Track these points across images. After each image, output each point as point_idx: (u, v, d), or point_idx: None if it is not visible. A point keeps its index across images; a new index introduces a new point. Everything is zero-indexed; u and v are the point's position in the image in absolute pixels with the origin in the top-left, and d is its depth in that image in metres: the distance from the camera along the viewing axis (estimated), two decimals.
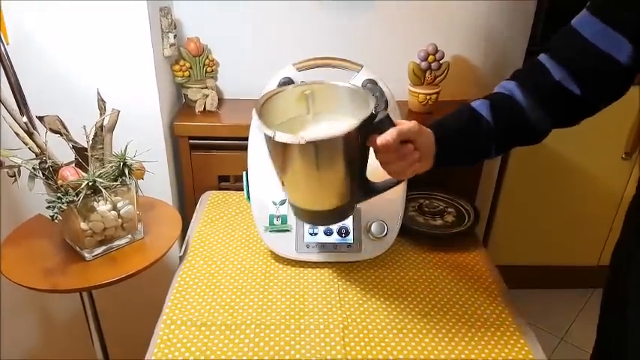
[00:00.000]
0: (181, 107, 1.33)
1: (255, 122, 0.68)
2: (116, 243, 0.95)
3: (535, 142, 0.76)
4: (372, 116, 0.66)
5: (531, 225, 1.77)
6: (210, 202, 1.19)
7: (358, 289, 0.91)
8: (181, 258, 0.99)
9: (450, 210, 1.11)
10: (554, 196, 1.71)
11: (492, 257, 1.03)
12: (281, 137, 0.65)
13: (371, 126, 0.66)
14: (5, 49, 0.93)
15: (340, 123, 0.72)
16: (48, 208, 0.83)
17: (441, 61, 1.29)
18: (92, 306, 1.03)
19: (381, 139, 0.64)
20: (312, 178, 0.71)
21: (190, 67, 1.28)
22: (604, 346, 0.87)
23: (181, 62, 1.26)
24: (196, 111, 1.28)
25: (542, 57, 0.72)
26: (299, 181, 0.74)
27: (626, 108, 1.55)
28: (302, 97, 0.76)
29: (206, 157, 1.26)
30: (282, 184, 0.78)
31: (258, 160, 1.00)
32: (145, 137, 1.10)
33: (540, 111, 0.72)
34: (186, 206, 1.32)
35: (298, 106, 0.77)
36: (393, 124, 0.66)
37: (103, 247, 0.93)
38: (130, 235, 0.96)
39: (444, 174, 1.20)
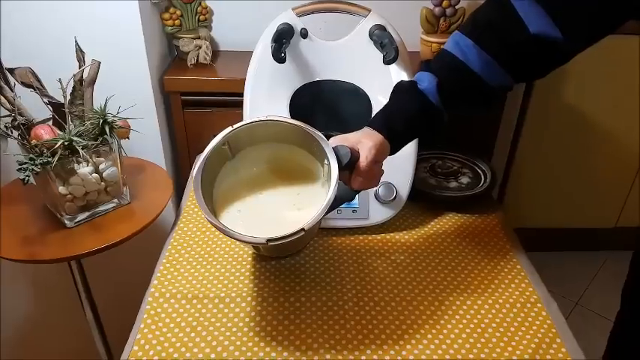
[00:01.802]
0: (172, 60, 1.23)
1: (210, 219, 0.63)
2: (101, 208, 0.87)
3: (497, 101, 0.71)
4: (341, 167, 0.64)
5: (547, 186, 1.68)
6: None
7: (364, 257, 0.84)
8: (173, 225, 0.92)
9: (464, 171, 1.02)
10: (571, 156, 1.62)
11: (507, 219, 0.95)
12: (243, 237, 0.61)
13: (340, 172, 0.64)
14: None
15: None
16: (19, 170, 0.75)
17: (456, 7, 1.17)
18: (82, 275, 0.97)
19: (359, 185, 0.66)
20: (280, 251, 0.79)
21: (181, 16, 1.17)
22: (632, 312, 0.81)
23: (171, 10, 1.15)
24: (188, 64, 1.17)
25: (516, 1, 0.61)
26: (268, 253, 0.81)
27: None
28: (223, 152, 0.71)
29: (200, 115, 1.17)
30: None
31: (247, 119, 0.90)
32: (131, 93, 1.01)
33: (500, 68, 0.64)
34: (181, 168, 1.24)
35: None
36: (356, 157, 0.65)
37: (87, 213, 0.86)
38: (115, 200, 0.89)
39: (459, 133, 1.11)
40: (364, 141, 0.66)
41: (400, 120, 0.68)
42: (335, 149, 0.65)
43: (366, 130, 0.68)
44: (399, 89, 0.71)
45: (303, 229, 0.60)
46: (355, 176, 0.66)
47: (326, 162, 0.65)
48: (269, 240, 0.59)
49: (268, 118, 0.69)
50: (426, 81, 0.67)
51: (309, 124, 0.69)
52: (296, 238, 0.60)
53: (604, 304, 1.58)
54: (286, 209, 0.70)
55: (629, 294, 0.83)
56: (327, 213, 0.63)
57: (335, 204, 0.66)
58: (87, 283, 0.99)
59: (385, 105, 0.71)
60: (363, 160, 0.65)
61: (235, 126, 0.69)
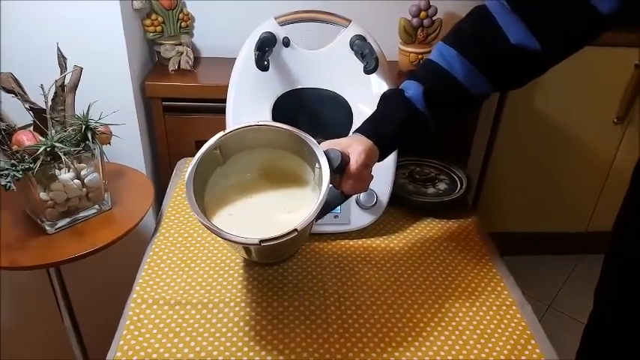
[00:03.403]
0: (153, 66, 1.23)
1: (203, 221, 0.63)
2: (82, 214, 0.87)
3: (477, 107, 0.75)
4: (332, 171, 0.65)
5: (520, 191, 1.73)
6: (186, 169, 1.11)
7: (346, 262, 0.86)
8: (154, 231, 0.92)
9: (442, 177, 1.05)
10: (544, 162, 1.67)
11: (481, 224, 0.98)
12: (236, 238, 0.61)
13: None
14: None
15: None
16: (0, 176, 0.74)
17: (433, 18, 1.21)
18: (60, 281, 0.96)
19: (349, 188, 0.68)
20: (272, 255, 0.79)
21: (163, 22, 1.17)
22: (603, 312, 0.84)
23: (153, 16, 1.16)
24: (170, 70, 1.18)
25: (496, 12, 0.65)
26: (260, 257, 0.81)
27: (619, 72, 1.50)
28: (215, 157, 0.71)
29: (181, 121, 1.17)
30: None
31: (238, 123, 0.91)
32: (113, 99, 1.00)
33: (482, 77, 0.67)
34: (161, 174, 1.24)
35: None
36: (346, 161, 0.66)
37: (67, 219, 0.85)
38: (96, 206, 0.88)
39: (436, 140, 1.14)
40: (354, 145, 0.67)
41: (389, 126, 0.70)
42: (326, 152, 0.66)
43: (355, 135, 0.70)
44: (387, 97, 0.72)
45: (296, 230, 0.60)
46: (346, 179, 0.67)
47: (317, 165, 0.66)
48: (262, 241, 0.59)
49: (260, 123, 0.69)
50: (412, 89, 0.69)
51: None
52: (289, 238, 0.60)
53: (575, 306, 1.64)
54: (277, 212, 0.70)
55: (600, 295, 0.86)
56: (318, 217, 0.64)
57: (325, 208, 0.67)
58: (65, 289, 0.98)
59: (373, 112, 0.73)
60: (354, 163, 0.66)
61: (227, 131, 0.69)
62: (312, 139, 0.68)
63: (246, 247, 0.69)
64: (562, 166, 1.68)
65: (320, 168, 0.65)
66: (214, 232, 0.61)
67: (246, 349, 0.69)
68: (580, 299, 1.64)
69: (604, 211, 1.78)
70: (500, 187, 1.70)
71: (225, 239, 0.61)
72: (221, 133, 0.69)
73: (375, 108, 0.73)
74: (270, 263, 0.84)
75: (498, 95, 1.52)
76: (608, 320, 0.84)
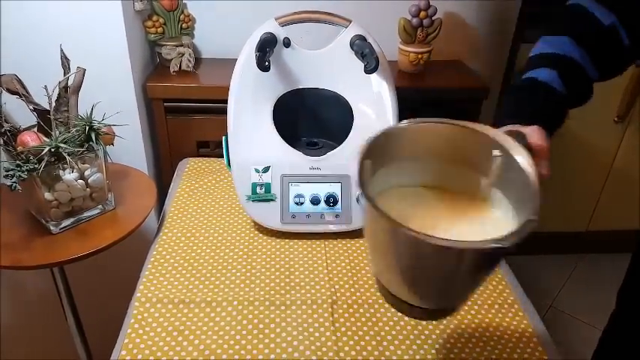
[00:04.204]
0: (155, 67, 1.23)
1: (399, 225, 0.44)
2: (85, 214, 0.87)
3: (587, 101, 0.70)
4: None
5: None
6: (188, 169, 1.12)
7: (347, 261, 0.86)
8: (157, 231, 0.93)
9: None
10: None
11: None
12: (454, 244, 0.42)
13: None
14: None
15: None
16: (6, 177, 0.75)
17: (433, 18, 1.21)
18: (64, 282, 0.97)
19: (547, 168, 0.55)
20: (438, 281, 0.50)
21: (164, 23, 1.18)
22: (628, 313, 0.83)
23: (154, 17, 1.16)
24: (171, 71, 1.18)
25: (585, 2, 0.64)
26: (417, 279, 0.51)
27: None
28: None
29: (183, 122, 1.18)
30: (376, 265, 0.58)
31: (239, 124, 0.92)
32: (115, 100, 1.01)
33: (589, 59, 0.65)
34: (162, 174, 1.24)
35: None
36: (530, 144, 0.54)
37: (71, 219, 0.86)
38: (100, 206, 0.89)
39: None
40: (522, 129, 0.56)
41: (542, 109, 0.63)
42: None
43: (512, 126, 0.58)
44: (522, 87, 0.65)
45: (535, 220, 0.45)
46: (540, 160, 0.54)
47: (497, 155, 0.52)
48: (495, 240, 0.42)
49: (421, 121, 0.55)
50: (544, 74, 0.64)
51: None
52: (529, 230, 0.44)
53: (577, 305, 1.64)
54: (460, 224, 0.54)
55: (624, 296, 0.84)
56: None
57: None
58: (69, 288, 0.99)
59: (515, 103, 0.65)
60: (539, 140, 0.55)
61: (382, 130, 0.54)
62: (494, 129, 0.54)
63: (451, 264, 0.46)
64: (563, 165, 1.69)
65: (510, 159, 0.51)
66: (414, 237, 0.42)
67: (249, 347, 0.70)
68: (581, 299, 1.66)
69: (605, 210, 1.79)
70: None
71: (433, 245, 0.42)
72: (377, 133, 0.53)
73: (507, 101, 0.66)
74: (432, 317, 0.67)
75: (498, 95, 1.52)
76: (633, 321, 0.82)
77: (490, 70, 1.41)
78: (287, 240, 0.91)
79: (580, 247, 1.87)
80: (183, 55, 1.19)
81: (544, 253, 1.88)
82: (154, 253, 0.86)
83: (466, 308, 0.77)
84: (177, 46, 1.19)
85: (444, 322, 0.75)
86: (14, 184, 0.75)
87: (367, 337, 0.72)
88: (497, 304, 0.79)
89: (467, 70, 1.31)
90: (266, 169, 0.91)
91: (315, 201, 0.91)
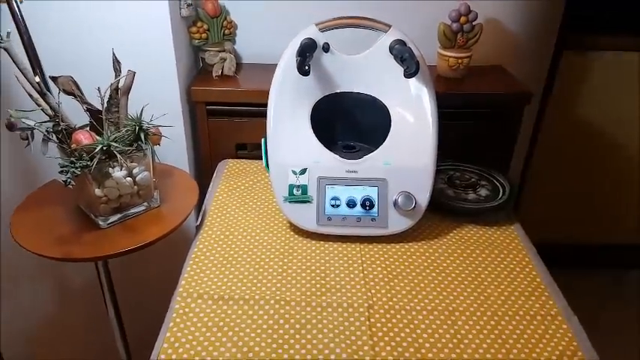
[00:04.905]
0: (198, 72, 1.27)
1: None
2: (132, 211, 0.91)
3: None
4: None
5: (562, 201, 1.69)
6: (227, 170, 1.15)
7: (384, 265, 0.87)
8: (198, 228, 0.96)
9: (483, 183, 1.05)
10: (587, 171, 1.63)
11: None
12: None
13: None
14: (19, 7, 0.88)
15: None
16: (61, 172, 0.79)
17: (473, 23, 1.20)
18: (107, 276, 1.01)
19: None
20: None
21: (208, 29, 1.22)
22: None
23: (199, 24, 1.20)
24: (214, 75, 1.22)
25: None
26: None
27: None
28: None
29: (223, 124, 1.21)
30: None
31: (278, 127, 0.94)
32: (161, 102, 1.05)
33: None
34: (203, 175, 1.28)
35: None
36: None
37: (119, 215, 0.90)
38: (146, 203, 0.93)
39: (475, 147, 1.14)
40: None
41: None
42: None
43: None
44: None
45: None
46: None
47: None
48: None
49: None
50: None
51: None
52: None
53: (627, 325, 1.57)
54: None
55: None
56: None
57: None
58: (111, 282, 1.03)
59: None
60: None
61: None
62: None
63: None
64: (607, 173, 1.64)
65: None
66: None
67: (286, 346, 0.71)
68: (626, 314, 1.59)
69: None
70: (540, 197, 1.67)
71: None
72: None
73: None
74: None
75: (539, 103, 1.50)
76: None
77: (532, 76, 1.38)
78: (322, 242, 0.92)
79: (626, 261, 1.80)
80: (225, 60, 1.22)
81: (587, 267, 1.82)
82: (195, 250, 0.89)
83: (507, 318, 0.76)
84: (219, 52, 1.23)
85: (485, 331, 0.74)
86: (69, 180, 0.79)
87: (405, 344, 0.71)
88: (540, 315, 0.77)
89: (508, 76, 1.29)
90: (303, 171, 0.93)
91: (351, 204, 0.92)
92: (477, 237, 0.94)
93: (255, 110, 1.16)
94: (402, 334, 0.73)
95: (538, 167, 1.61)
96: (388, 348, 0.71)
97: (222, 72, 1.22)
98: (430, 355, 0.70)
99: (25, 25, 0.88)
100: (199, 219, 0.99)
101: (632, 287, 1.70)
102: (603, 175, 1.64)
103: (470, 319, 0.76)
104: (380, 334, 0.73)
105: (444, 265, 0.87)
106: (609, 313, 1.64)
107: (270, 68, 0.97)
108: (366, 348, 0.71)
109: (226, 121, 1.21)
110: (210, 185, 1.11)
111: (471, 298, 0.80)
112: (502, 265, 0.87)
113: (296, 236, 0.93)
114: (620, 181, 1.65)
